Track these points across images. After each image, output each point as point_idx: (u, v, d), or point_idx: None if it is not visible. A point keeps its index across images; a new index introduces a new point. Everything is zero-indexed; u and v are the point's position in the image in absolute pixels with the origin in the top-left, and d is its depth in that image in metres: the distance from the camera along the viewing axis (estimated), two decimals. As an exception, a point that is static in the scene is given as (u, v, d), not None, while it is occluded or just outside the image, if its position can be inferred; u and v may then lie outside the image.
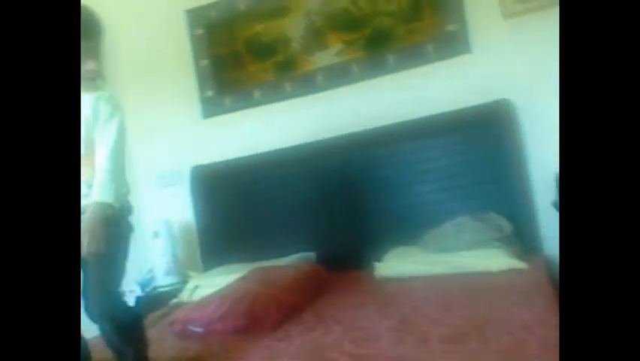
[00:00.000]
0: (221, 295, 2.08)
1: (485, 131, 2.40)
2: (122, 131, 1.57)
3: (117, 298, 1.58)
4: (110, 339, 1.51)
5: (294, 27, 2.82)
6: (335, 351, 1.51)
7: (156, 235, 2.93)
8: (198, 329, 1.93)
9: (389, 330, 1.64)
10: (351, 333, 1.64)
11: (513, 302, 1.67)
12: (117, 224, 1.54)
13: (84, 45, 1.41)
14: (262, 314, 1.90)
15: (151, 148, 3.13)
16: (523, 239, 2.28)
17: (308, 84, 2.81)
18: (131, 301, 2.68)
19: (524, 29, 2.39)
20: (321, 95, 2.80)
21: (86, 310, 1.52)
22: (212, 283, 2.41)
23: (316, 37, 2.78)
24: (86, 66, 1.48)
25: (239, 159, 2.93)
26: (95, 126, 1.55)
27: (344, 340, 1.59)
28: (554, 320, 1.42)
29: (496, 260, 2.07)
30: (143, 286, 2.83)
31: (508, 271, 2.01)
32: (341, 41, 2.72)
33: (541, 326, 1.43)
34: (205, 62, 3.03)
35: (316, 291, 2.21)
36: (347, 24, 2.70)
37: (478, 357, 1.34)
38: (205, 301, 2.09)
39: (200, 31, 3.02)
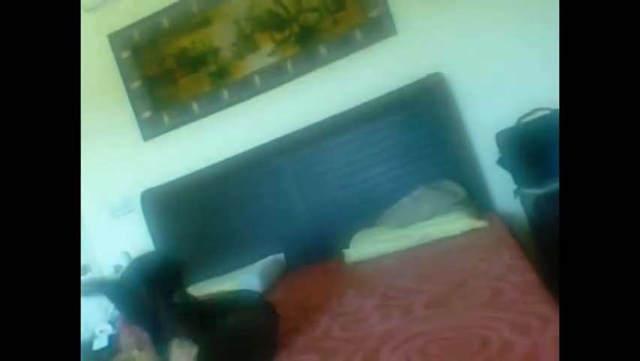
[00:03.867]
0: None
1: (423, 106, 2.50)
2: None
3: None
4: None
5: (221, 35, 2.81)
6: (328, 340, 1.54)
7: (118, 268, 2.84)
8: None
9: (374, 308, 1.68)
10: (339, 319, 1.67)
11: (482, 258, 1.77)
12: None
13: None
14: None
15: (99, 181, 3.01)
16: (477, 200, 2.41)
17: (245, 88, 2.82)
18: (103, 340, 2.60)
19: (444, 3, 2.52)
20: (260, 97, 2.82)
21: None
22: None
23: (246, 42, 2.78)
24: None
25: (188, 175, 2.90)
26: None
27: (333, 327, 1.62)
28: (524, 266, 1.53)
29: (457, 223, 2.17)
30: (113, 323, 2.74)
31: (471, 232, 2.11)
32: (272, 41, 2.75)
33: (512, 274, 1.53)
34: (137, 84, 2.96)
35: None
36: (275, 24, 2.73)
37: (461, 314, 1.41)
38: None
39: (126, 53, 2.95)
